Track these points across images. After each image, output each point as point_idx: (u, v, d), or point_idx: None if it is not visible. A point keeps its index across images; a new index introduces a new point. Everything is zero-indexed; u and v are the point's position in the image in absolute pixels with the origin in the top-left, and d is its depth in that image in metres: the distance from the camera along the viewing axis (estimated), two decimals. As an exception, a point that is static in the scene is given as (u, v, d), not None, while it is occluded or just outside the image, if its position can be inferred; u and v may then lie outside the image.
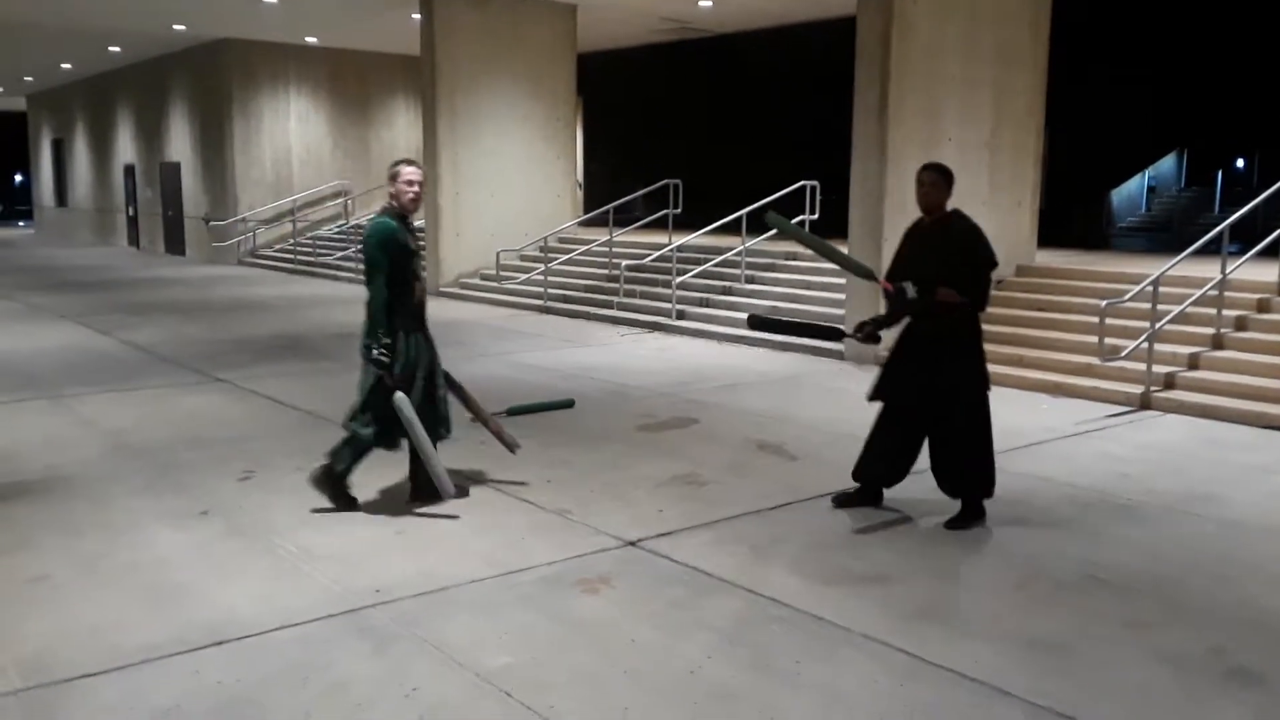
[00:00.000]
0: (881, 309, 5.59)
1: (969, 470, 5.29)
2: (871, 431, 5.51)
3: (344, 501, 5.48)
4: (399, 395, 5.22)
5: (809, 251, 12.81)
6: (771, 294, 12.22)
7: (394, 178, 5.33)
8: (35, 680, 3.60)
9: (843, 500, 5.59)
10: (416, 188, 5.33)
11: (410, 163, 5.40)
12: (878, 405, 5.50)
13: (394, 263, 5.22)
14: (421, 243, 5.41)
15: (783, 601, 4.32)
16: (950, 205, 5.33)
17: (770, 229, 12.90)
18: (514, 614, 4.19)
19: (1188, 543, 5.12)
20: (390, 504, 5.61)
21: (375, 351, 5.20)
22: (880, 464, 5.48)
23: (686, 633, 4.03)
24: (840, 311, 10.64)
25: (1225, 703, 3.54)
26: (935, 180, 5.23)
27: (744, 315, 11.75)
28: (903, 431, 5.39)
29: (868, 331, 5.34)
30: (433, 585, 4.47)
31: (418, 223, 18.49)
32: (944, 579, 4.63)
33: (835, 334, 5.72)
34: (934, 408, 5.25)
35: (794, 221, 13.04)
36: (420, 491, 5.58)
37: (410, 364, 5.33)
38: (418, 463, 5.52)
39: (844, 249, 10.57)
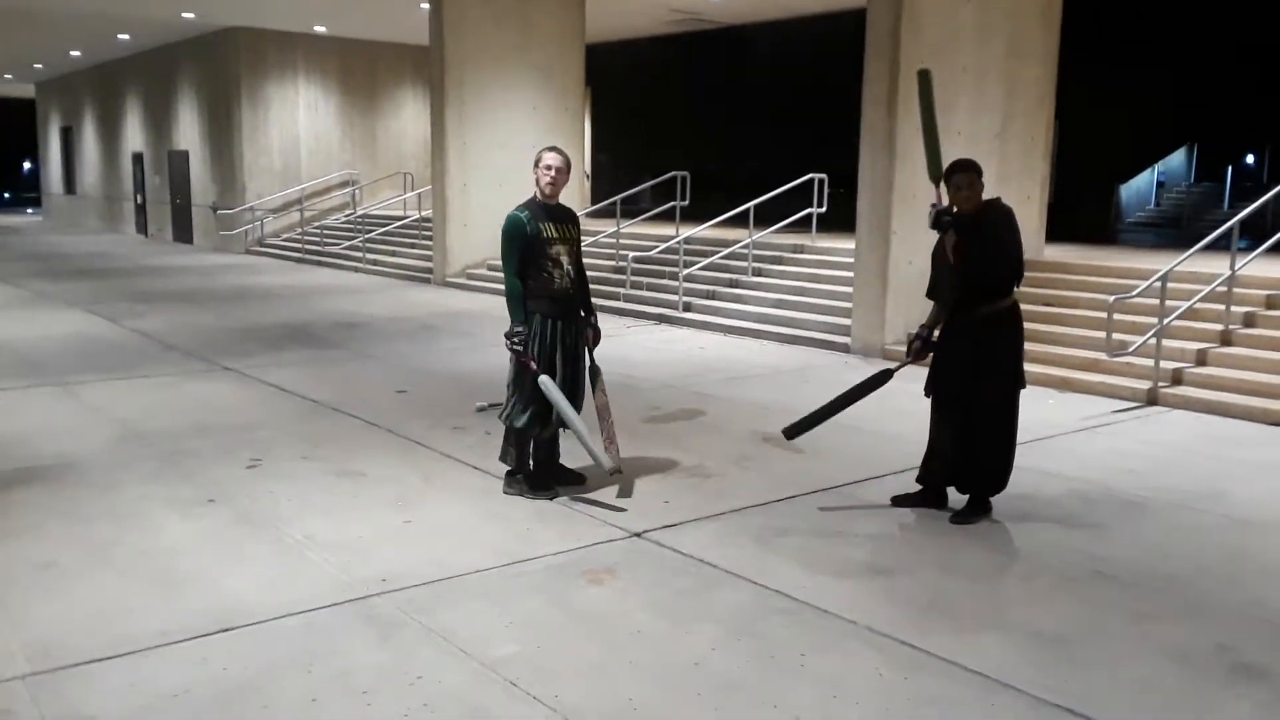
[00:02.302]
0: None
1: (985, 468, 5.26)
2: (929, 430, 5.44)
3: (547, 490, 5.53)
4: (544, 378, 5.28)
5: (817, 245, 12.83)
6: (778, 287, 12.21)
7: (536, 164, 5.41)
8: (43, 665, 3.62)
9: (903, 500, 5.50)
10: (552, 173, 5.38)
11: (553, 149, 5.47)
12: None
13: (523, 253, 5.30)
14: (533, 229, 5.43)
15: (788, 594, 4.32)
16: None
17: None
18: (520, 603, 4.20)
19: (1194, 539, 5.11)
20: (397, 492, 5.63)
21: (509, 341, 5.32)
22: (935, 462, 5.39)
23: (691, 624, 4.04)
24: (847, 305, 10.63)
25: (1230, 698, 3.54)
26: (972, 181, 5.10)
27: (751, 309, 11.80)
28: (952, 427, 5.29)
29: (916, 350, 5.34)
30: (439, 574, 4.48)
31: (423, 213, 18.54)
32: (949, 572, 4.63)
33: (885, 376, 5.51)
34: (963, 402, 5.21)
35: (802, 214, 13.12)
36: (544, 478, 5.61)
37: (547, 348, 5.38)
38: (540, 450, 5.60)
39: (852, 243, 10.62)
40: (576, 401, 5.52)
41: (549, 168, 5.38)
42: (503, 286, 5.49)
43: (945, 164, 5.25)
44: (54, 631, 3.89)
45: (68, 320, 11.99)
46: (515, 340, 5.32)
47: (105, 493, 5.56)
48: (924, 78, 5.49)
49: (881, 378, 5.50)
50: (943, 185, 5.20)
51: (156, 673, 3.58)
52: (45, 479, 5.80)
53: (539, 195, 5.44)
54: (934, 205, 5.16)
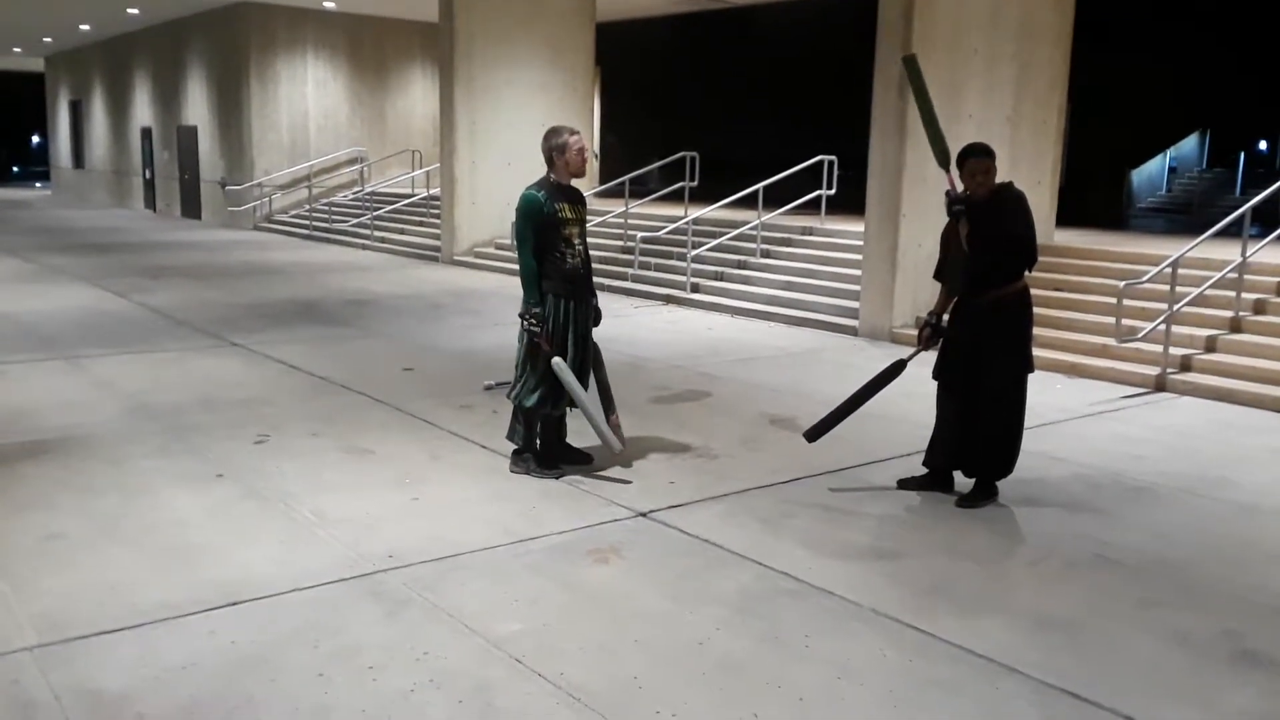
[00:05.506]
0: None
1: (991, 452, 5.25)
2: (936, 413, 5.43)
3: (554, 469, 5.56)
4: (556, 360, 5.32)
5: (826, 227, 12.79)
6: (787, 269, 12.18)
7: (563, 149, 5.39)
8: (51, 637, 3.65)
9: (909, 483, 5.51)
10: (585, 154, 5.47)
11: (575, 131, 5.49)
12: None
13: (539, 233, 5.32)
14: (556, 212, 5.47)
15: (793, 575, 4.33)
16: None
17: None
18: (525, 582, 4.22)
19: (1200, 525, 5.11)
20: (404, 469, 5.64)
21: (525, 322, 5.33)
22: (942, 445, 5.39)
23: (696, 604, 4.05)
24: (856, 287, 10.60)
25: (1233, 683, 3.54)
26: (988, 167, 5.07)
27: (759, 290, 11.78)
28: (960, 410, 5.28)
29: (927, 337, 5.33)
30: (445, 551, 4.49)
31: (431, 191, 18.51)
32: (955, 556, 4.63)
33: (899, 367, 5.48)
34: (971, 386, 5.21)
35: (811, 196, 13.06)
36: (549, 458, 5.63)
37: (560, 328, 5.40)
38: (548, 430, 5.62)
39: (861, 225, 10.59)
40: (584, 381, 5.53)
41: (581, 150, 5.41)
42: (510, 265, 5.51)
43: (952, 147, 5.22)
44: (62, 603, 3.91)
45: (76, 294, 12.02)
46: (534, 320, 5.32)
47: (114, 466, 5.58)
48: (911, 64, 5.46)
49: (895, 369, 5.48)
50: (953, 169, 5.18)
51: (164, 645, 3.60)
52: (54, 452, 5.83)
53: (555, 176, 5.43)
54: (947, 192, 5.14)
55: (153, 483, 5.34)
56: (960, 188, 5.15)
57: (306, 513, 4.94)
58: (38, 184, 40.01)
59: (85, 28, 25.19)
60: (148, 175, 26.83)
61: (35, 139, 45.36)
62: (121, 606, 3.88)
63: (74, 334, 9.50)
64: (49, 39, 28.01)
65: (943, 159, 5.23)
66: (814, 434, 5.52)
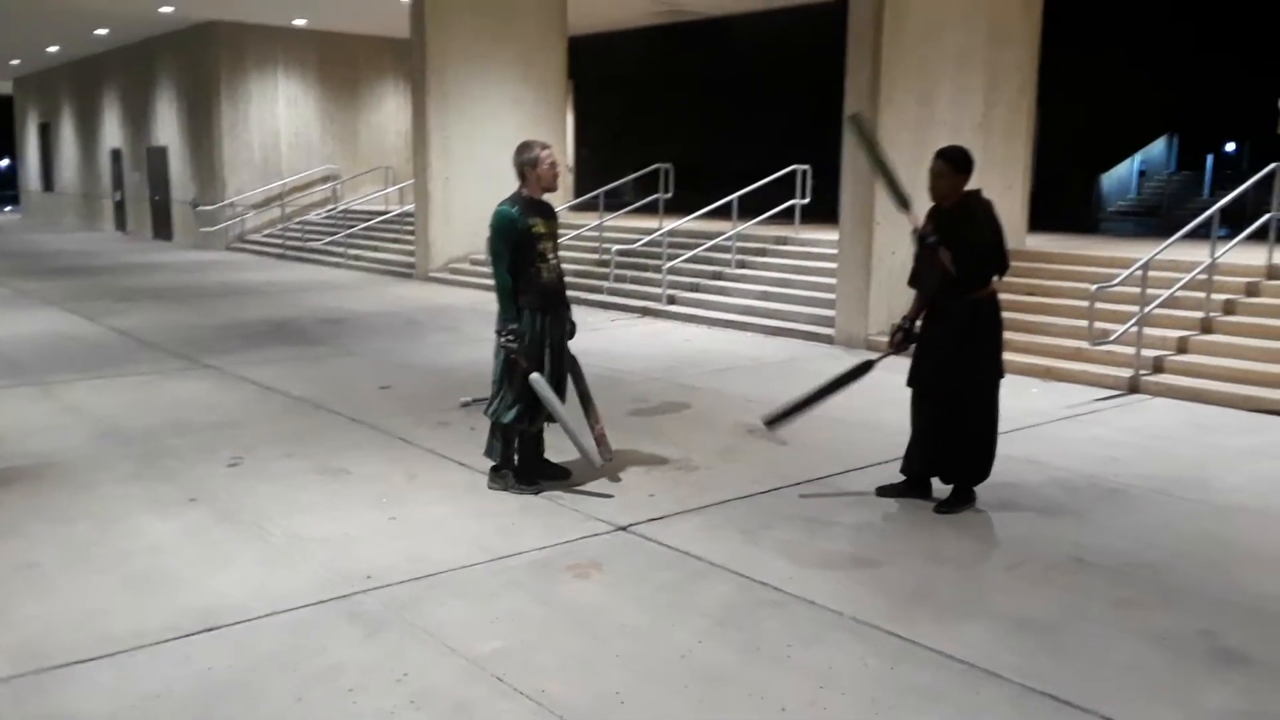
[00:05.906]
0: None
1: (966, 458, 5.28)
2: (911, 420, 5.46)
3: (533, 485, 5.53)
4: (534, 375, 5.31)
5: (800, 236, 12.84)
6: (762, 279, 12.22)
7: (535, 163, 5.38)
8: (25, 667, 3.59)
9: (887, 490, 5.52)
10: (558, 168, 5.50)
11: (546, 146, 5.49)
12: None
13: (516, 249, 5.31)
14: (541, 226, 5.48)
15: (774, 585, 4.33)
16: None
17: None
18: (505, 599, 4.20)
19: (1176, 526, 5.15)
20: (381, 488, 5.61)
21: (502, 338, 5.32)
22: (918, 452, 5.41)
23: (677, 617, 4.04)
24: (831, 296, 10.64)
25: (1213, 683, 3.56)
26: (939, 169, 5.11)
27: (735, 301, 11.81)
28: (934, 416, 5.31)
29: (898, 341, 5.36)
30: (424, 571, 4.46)
31: (405, 207, 18.47)
32: (934, 562, 4.65)
33: (867, 367, 5.51)
34: (945, 392, 5.23)
35: (785, 205, 13.11)
36: (525, 474, 5.61)
37: (537, 343, 5.39)
38: (526, 445, 5.61)
39: (835, 234, 10.63)
40: (561, 394, 5.52)
41: (553, 164, 5.42)
42: (485, 281, 5.51)
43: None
44: (36, 632, 3.86)
45: (46, 318, 11.89)
46: (510, 337, 5.31)
47: (86, 493, 5.52)
48: (855, 122, 5.63)
49: (863, 368, 5.51)
50: (914, 209, 5.20)
51: (140, 673, 3.56)
52: (24, 479, 5.75)
53: (527, 191, 5.43)
54: (914, 230, 5.18)
55: (125, 509, 5.27)
56: (922, 221, 5.18)
57: (282, 535, 4.90)
58: (7, 208, 39.61)
59: (53, 49, 25.02)
60: (118, 197, 26.63)
61: (4, 162, 44.96)
62: (96, 634, 3.83)
63: (44, 359, 9.40)
64: (16, 61, 27.80)
65: (902, 203, 5.25)
66: (774, 421, 5.56)
